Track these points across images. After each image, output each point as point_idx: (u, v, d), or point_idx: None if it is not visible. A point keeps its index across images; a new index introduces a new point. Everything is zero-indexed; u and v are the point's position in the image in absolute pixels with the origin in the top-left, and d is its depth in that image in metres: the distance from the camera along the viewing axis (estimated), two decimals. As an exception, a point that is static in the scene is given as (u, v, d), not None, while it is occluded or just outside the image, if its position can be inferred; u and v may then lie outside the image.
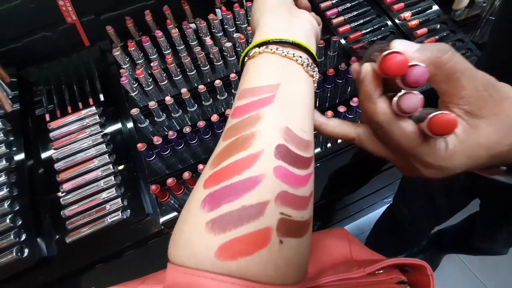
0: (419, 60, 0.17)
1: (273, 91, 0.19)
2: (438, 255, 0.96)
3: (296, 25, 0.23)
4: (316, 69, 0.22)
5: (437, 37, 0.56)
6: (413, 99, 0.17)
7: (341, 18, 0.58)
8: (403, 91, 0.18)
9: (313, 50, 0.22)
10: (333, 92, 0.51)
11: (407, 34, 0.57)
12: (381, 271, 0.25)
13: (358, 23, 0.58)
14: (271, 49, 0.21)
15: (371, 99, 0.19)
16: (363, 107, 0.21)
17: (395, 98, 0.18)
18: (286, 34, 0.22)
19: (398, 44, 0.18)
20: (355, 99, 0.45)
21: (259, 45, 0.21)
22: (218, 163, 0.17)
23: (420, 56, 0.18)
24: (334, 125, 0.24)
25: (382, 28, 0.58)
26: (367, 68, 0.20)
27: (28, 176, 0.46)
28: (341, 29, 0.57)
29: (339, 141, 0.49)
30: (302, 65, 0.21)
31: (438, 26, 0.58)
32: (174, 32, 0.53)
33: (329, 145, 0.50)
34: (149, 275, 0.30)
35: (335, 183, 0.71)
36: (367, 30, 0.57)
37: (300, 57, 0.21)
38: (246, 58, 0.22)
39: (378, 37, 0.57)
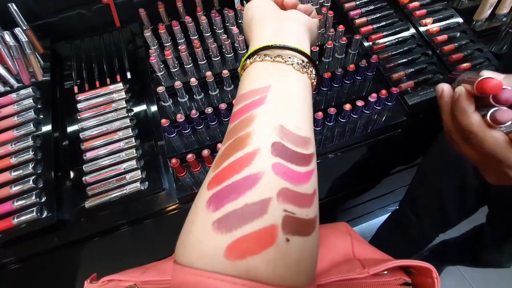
0: (505, 85, 0.22)
1: (264, 92, 0.20)
2: (439, 267, 0.96)
3: (285, 28, 0.24)
4: (311, 67, 0.23)
5: (456, 44, 0.57)
6: (508, 113, 0.21)
7: (364, 19, 0.60)
8: (494, 108, 0.22)
9: (305, 48, 0.23)
10: (351, 88, 0.52)
11: (428, 40, 0.59)
12: (385, 272, 0.25)
13: (380, 24, 0.60)
14: (259, 57, 0.22)
15: (466, 113, 0.23)
16: (459, 121, 0.24)
17: (490, 111, 0.22)
18: (275, 39, 0.23)
19: (489, 73, 0.22)
20: (373, 94, 0.46)
21: (249, 56, 0.23)
22: (219, 165, 0.18)
23: (506, 83, 0.22)
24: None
25: (404, 33, 0.60)
26: (462, 89, 0.24)
27: (54, 142, 0.49)
28: (363, 29, 0.59)
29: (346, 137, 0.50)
30: (292, 65, 0.22)
31: (458, 34, 0.59)
32: (203, 19, 0.55)
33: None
34: (150, 264, 0.30)
35: (340, 182, 0.72)
36: (388, 33, 0.59)
37: (290, 57, 0.22)
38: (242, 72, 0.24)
39: (400, 39, 0.58)
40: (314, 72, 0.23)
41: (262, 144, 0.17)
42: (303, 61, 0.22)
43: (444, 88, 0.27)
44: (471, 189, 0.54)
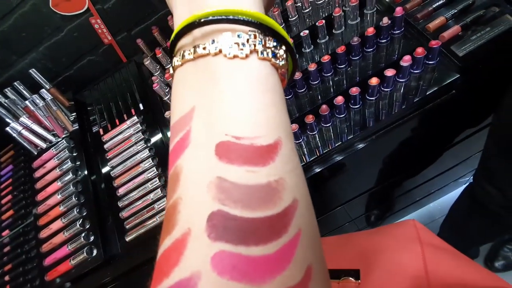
0: None
1: (186, 125, 0.13)
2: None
3: None
4: (267, 38, 0.14)
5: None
6: None
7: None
8: None
9: (250, 5, 0.14)
10: (376, 56, 0.43)
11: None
12: None
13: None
14: (177, 58, 0.14)
15: None
16: None
17: None
18: (191, 8, 0.14)
19: None
20: (406, 57, 0.37)
21: (172, 47, 0.15)
22: (159, 247, 0.12)
23: None
24: None
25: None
26: None
27: (92, 185, 0.52)
28: (377, -18, 0.48)
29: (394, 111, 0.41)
30: (221, 53, 0.13)
31: None
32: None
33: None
34: None
35: (391, 165, 0.61)
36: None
37: (216, 39, 0.13)
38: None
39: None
40: (275, 45, 0.14)
41: (193, 222, 0.11)
42: (253, 35, 0.13)
43: None
44: None
